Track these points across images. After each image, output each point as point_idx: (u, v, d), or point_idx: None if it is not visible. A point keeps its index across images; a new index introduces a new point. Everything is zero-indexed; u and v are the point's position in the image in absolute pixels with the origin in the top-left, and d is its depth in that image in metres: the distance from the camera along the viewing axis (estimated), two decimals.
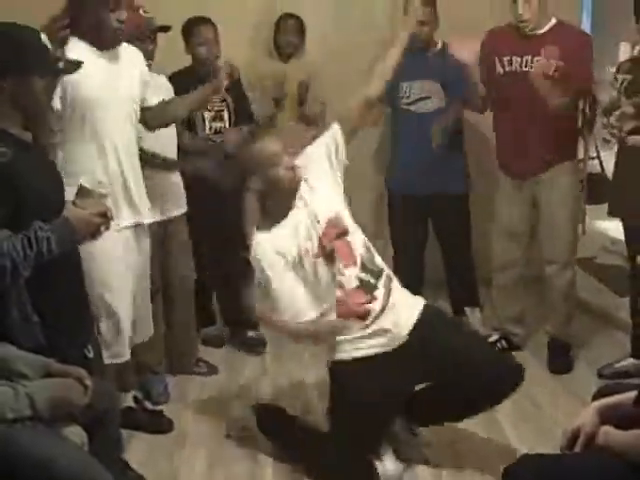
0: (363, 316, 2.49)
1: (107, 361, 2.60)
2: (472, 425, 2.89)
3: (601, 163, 3.48)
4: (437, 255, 3.91)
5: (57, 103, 2.45)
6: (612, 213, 3.32)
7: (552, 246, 3.36)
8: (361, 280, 2.50)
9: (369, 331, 2.50)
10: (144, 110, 2.76)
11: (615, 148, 3.26)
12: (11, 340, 1.99)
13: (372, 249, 2.61)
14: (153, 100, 2.81)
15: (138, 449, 2.84)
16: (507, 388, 2.54)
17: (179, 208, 3.27)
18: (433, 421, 2.72)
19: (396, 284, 2.62)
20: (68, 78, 2.36)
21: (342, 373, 2.55)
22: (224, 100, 3.53)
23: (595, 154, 3.50)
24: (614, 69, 3.25)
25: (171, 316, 3.30)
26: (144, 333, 2.87)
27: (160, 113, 2.81)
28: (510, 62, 3.23)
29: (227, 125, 3.58)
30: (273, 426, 2.85)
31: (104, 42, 2.55)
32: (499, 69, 3.26)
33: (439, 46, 3.66)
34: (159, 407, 3.11)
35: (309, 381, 3.34)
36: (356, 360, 2.50)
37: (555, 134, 3.21)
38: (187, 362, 3.46)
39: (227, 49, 3.51)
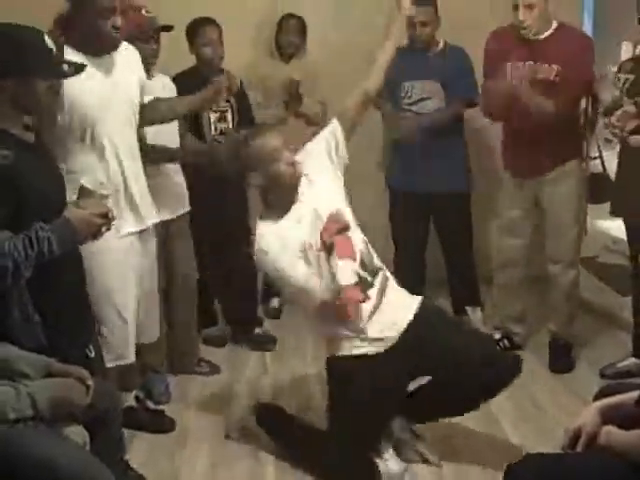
0: (354, 315, 2.48)
1: (110, 364, 2.60)
2: (473, 425, 2.90)
3: (603, 163, 3.47)
4: (438, 254, 3.91)
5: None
6: (614, 213, 3.32)
7: (556, 245, 3.36)
8: (359, 276, 2.50)
9: (364, 329, 2.50)
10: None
11: (617, 148, 3.26)
12: (12, 340, 1.99)
13: (370, 247, 2.61)
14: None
15: (140, 449, 2.84)
16: (504, 380, 2.56)
17: (182, 207, 3.27)
18: (430, 418, 2.73)
19: (392, 284, 2.63)
20: (65, 92, 2.35)
21: (340, 370, 2.56)
22: (228, 101, 3.54)
23: (597, 154, 3.50)
24: (615, 68, 3.25)
25: (173, 316, 3.30)
26: (151, 334, 2.88)
27: (149, 112, 2.78)
28: (513, 67, 3.22)
29: (231, 126, 3.60)
30: (273, 425, 2.86)
31: (100, 49, 2.54)
32: (503, 74, 3.26)
33: (440, 46, 3.66)
34: (161, 407, 3.12)
35: (311, 380, 3.34)
36: (354, 357, 2.51)
37: (560, 135, 3.21)
38: (189, 362, 3.46)
39: (228, 49, 3.51)
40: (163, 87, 3.21)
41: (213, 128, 3.55)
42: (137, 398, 3.02)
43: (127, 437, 2.57)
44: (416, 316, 2.57)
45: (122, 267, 2.61)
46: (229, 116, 3.60)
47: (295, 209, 2.54)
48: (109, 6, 2.48)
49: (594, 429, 1.77)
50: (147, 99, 2.80)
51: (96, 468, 1.90)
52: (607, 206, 3.36)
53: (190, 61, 3.55)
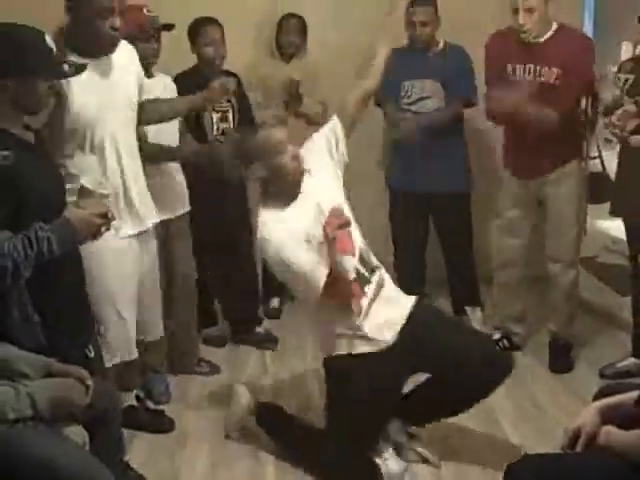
0: (356, 309, 2.49)
1: (109, 364, 2.60)
2: (473, 425, 2.90)
3: (602, 162, 3.48)
4: (438, 254, 3.91)
5: None
6: (614, 213, 3.31)
7: (556, 245, 3.36)
8: (358, 272, 2.50)
9: (361, 326, 2.51)
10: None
11: (617, 147, 3.26)
12: (12, 340, 2.00)
13: (367, 246, 2.63)
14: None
15: (139, 449, 2.84)
16: (498, 378, 2.56)
17: (182, 207, 3.27)
18: (426, 419, 2.73)
19: (389, 282, 2.63)
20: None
21: (338, 369, 2.56)
22: (229, 101, 3.54)
23: (597, 153, 3.50)
24: (615, 68, 3.25)
25: (173, 315, 3.30)
26: (155, 332, 2.89)
27: (148, 111, 2.78)
28: (514, 71, 3.22)
29: (232, 126, 3.60)
30: (273, 425, 2.86)
31: (99, 50, 2.53)
32: (504, 76, 3.26)
33: (440, 45, 3.66)
34: (160, 407, 3.12)
35: (311, 380, 3.34)
36: (351, 356, 2.52)
37: (560, 135, 3.20)
38: (188, 362, 3.46)
39: (229, 49, 3.51)
40: (164, 87, 3.21)
41: (215, 128, 3.56)
42: (138, 397, 3.02)
43: (127, 437, 2.57)
44: (412, 314, 2.58)
45: (121, 267, 2.62)
46: (230, 116, 3.60)
47: (296, 203, 2.54)
48: (108, 6, 2.47)
49: (594, 429, 1.77)
50: (147, 98, 2.80)
51: (96, 468, 1.90)
52: (607, 206, 3.36)
53: (190, 61, 3.55)
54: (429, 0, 3.58)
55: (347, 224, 2.47)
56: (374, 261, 2.61)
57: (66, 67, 2.15)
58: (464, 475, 2.66)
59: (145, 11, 3.03)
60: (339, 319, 2.51)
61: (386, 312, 2.55)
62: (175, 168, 3.23)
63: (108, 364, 2.59)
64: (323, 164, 2.63)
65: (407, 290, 2.74)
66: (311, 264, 2.39)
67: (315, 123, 3.74)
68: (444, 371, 2.54)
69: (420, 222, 3.83)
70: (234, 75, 3.67)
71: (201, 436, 2.96)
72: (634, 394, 1.81)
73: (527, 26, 3.09)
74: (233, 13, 3.76)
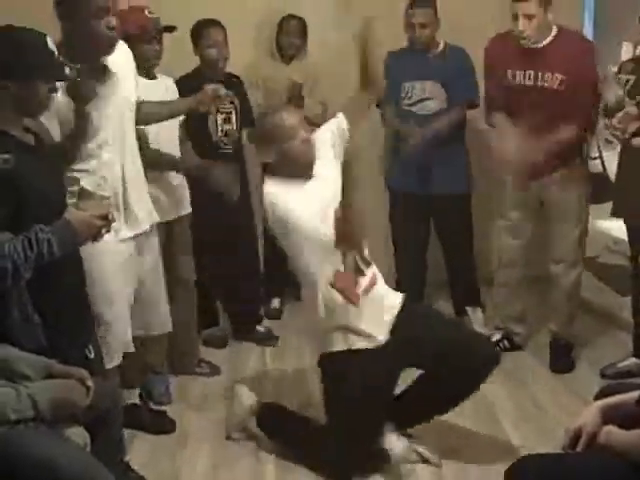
0: (354, 299, 2.53)
1: (110, 365, 2.60)
2: (473, 425, 2.90)
3: (603, 163, 3.48)
4: (438, 255, 3.91)
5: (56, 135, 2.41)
6: (616, 214, 3.31)
7: (559, 246, 3.36)
8: (356, 264, 2.54)
9: (355, 319, 2.54)
10: None
11: (617, 148, 3.26)
12: (12, 341, 2.00)
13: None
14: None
15: (140, 449, 2.84)
16: (485, 369, 2.60)
17: (183, 208, 3.27)
18: (420, 419, 2.74)
19: (380, 279, 2.66)
20: (63, 102, 2.33)
21: (333, 366, 2.59)
22: (232, 102, 3.55)
23: (597, 154, 3.50)
24: (615, 69, 3.24)
25: (173, 316, 3.30)
26: (163, 327, 2.90)
27: (144, 112, 2.76)
28: (514, 76, 3.21)
29: (235, 127, 3.61)
30: (273, 424, 2.87)
31: (97, 51, 2.49)
32: (504, 82, 3.26)
33: (440, 47, 3.65)
34: (162, 407, 3.12)
35: (311, 378, 3.33)
36: (346, 352, 2.55)
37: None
38: (189, 362, 3.47)
39: (229, 50, 3.51)
40: (166, 89, 3.21)
41: (219, 130, 3.56)
42: (141, 396, 3.03)
43: (128, 438, 2.58)
44: (401, 310, 2.62)
45: (121, 269, 2.61)
46: (233, 118, 3.61)
47: (306, 189, 2.55)
48: (103, 5, 2.43)
49: (594, 429, 1.77)
50: (149, 100, 2.80)
51: (96, 469, 1.90)
52: (607, 206, 3.36)
53: (192, 63, 3.55)
54: (428, 2, 3.57)
55: (350, 218, 2.47)
56: (369, 258, 2.65)
57: (67, 70, 2.15)
58: (465, 475, 2.66)
59: (147, 13, 3.03)
60: (336, 309, 2.53)
61: (378, 308, 2.58)
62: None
63: (108, 365, 2.59)
64: (326, 160, 2.64)
65: (408, 291, 2.74)
66: (316, 222, 2.41)
67: (315, 124, 3.74)
68: (434, 364, 2.58)
69: (421, 223, 3.83)
70: (236, 77, 3.69)
71: (202, 437, 2.96)
72: (635, 394, 1.81)
73: (526, 32, 3.07)
74: (233, 14, 3.76)
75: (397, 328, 2.58)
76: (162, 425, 3.00)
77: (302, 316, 2.99)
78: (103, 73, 2.51)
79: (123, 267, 2.62)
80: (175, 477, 2.72)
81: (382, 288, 2.66)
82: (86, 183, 2.42)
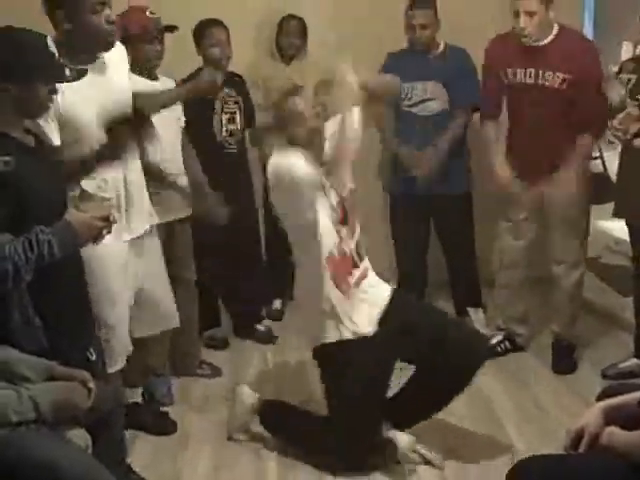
0: (344, 286, 2.57)
1: (112, 369, 2.59)
2: (475, 426, 2.90)
3: (604, 163, 3.47)
4: (439, 255, 3.91)
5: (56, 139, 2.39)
6: (618, 214, 3.30)
7: (561, 246, 3.36)
8: (351, 253, 2.60)
9: (347, 307, 2.58)
10: None
11: (618, 148, 3.25)
12: (13, 343, 1.99)
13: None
14: None
15: (142, 450, 2.85)
16: (474, 362, 2.64)
17: (185, 209, 3.27)
18: (416, 418, 2.75)
19: (371, 272, 2.70)
20: (65, 100, 2.32)
21: (328, 357, 2.63)
22: (236, 102, 3.54)
23: (598, 154, 3.50)
24: (616, 69, 3.24)
25: None
26: (168, 323, 2.90)
27: (139, 103, 2.72)
28: (514, 74, 3.21)
29: (239, 127, 3.62)
30: (276, 420, 2.89)
31: (97, 47, 2.47)
32: (504, 81, 3.26)
33: (441, 48, 3.65)
34: (164, 409, 3.12)
35: (313, 382, 3.33)
36: (339, 343, 2.59)
37: (563, 138, 3.20)
38: (190, 364, 3.47)
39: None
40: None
41: (224, 130, 3.57)
42: (144, 395, 3.03)
43: (129, 439, 2.59)
44: (393, 300, 2.67)
45: (121, 270, 2.60)
46: (238, 118, 3.62)
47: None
48: None
49: (597, 430, 1.76)
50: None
51: (98, 471, 1.90)
52: (608, 207, 3.35)
53: (193, 63, 3.55)
54: (428, 3, 3.57)
55: (354, 209, 2.59)
56: (364, 253, 2.68)
57: (67, 72, 2.14)
58: (466, 476, 2.65)
59: (148, 13, 3.03)
60: (330, 294, 2.55)
61: (367, 299, 2.63)
62: (178, 171, 3.22)
63: (112, 369, 2.58)
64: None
65: (409, 291, 2.75)
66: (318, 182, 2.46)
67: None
68: (425, 355, 2.61)
69: (421, 224, 3.83)
70: (239, 76, 3.69)
71: (203, 438, 2.96)
72: (637, 395, 1.81)
73: (528, 30, 3.06)
74: (233, 14, 3.76)
75: (387, 319, 2.63)
76: (164, 426, 3.00)
77: (297, 305, 2.97)
78: (101, 72, 2.51)
79: (124, 269, 2.61)
80: (177, 478, 2.72)
81: (373, 280, 2.70)
82: (87, 185, 2.42)
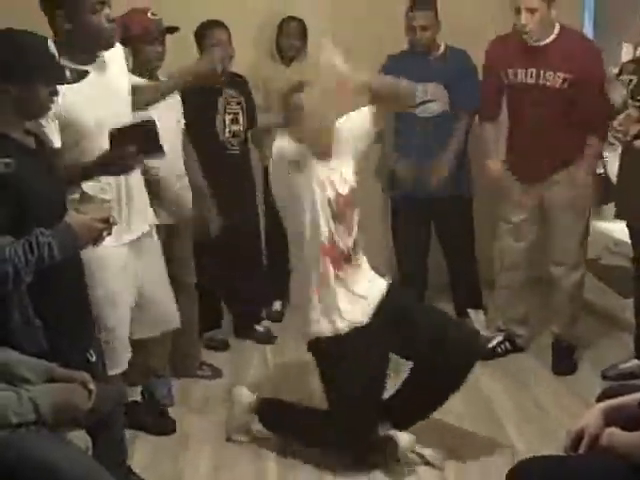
0: (343, 273, 2.59)
1: (112, 372, 2.59)
2: (475, 426, 2.90)
3: (604, 164, 3.48)
4: (440, 257, 3.91)
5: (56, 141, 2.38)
6: (619, 216, 3.30)
7: (561, 248, 3.36)
8: (348, 251, 2.61)
9: (339, 299, 2.60)
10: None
11: (618, 150, 3.26)
12: (13, 344, 1.99)
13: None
14: None
15: (142, 451, 2.85)
16: (470, 358, 2.66)
17: (185, 211, 3.27)
18: (414, 418, 2.75)
19: (365, 265, 2.71)
20: (65, 100, 2.29)
21: (323, 351, 2.65)
22: (239, 103, 3.54)
23: None
24: (616, 70, 3.24)
25: None
26: (168, 324, 2.90)
27: (137, 96, 2.71)
28: (515, 74, 3.21)
29: (242, 128, 3.62)
30: (274, 417, 2.89)
31: (98, 46, 2.46)
32: (505, 81, 3.26)
33: (442, 49, 3.65)
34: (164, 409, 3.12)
35: (313, 383, 3.33)
36: (333, 337, 2.60)
37: (564, 138, 3.20)
38: (190, 365, 3.47)
39: None
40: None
41: (227, 130, 3.58)
42: (143, 394, 3.03)
43: (129, 439, 2.58)
44: (388, 294, 2.68)
45: (122, 272, 2.60)
46: (241, 118, 3.63)
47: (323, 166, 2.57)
48: None
49: (597, 431, 1.76)
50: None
51: (98, 472, 1.90)
52: (608, 208, 3.35)
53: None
54: (429, 4, 3.57)
55: (354, 209, 2.62)
56: (360, 251, 2.68)
57: (68, 73, 2.14)
58: (466, 476, 2.66)
59: (149, 14, 3.03)
60: (324, 282, 2.58)
61: (364, 292, 2.64)
62: (179, 172, 3.22)
63: (115, 371, 2.58)
64: (343, 146, 2.64)
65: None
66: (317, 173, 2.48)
67: None
68: (426, 356, 2.62)
69: (421, 227, 3.83)
70: (241, 76, 3.70)
71: (203, 438, 2.96)
72: (637, 395, 1.81)
73: (529, 26, 3.06)
74: (234, 15, 3.76)
75: (381, 312, 2.64)
76: (164, 426, 3.00)
77: (293, 303, 2.96)
78: (102, 69, 2.50)
79: (124, 270, 2.61)
80: (177, 479, 2.72)
81: (370, 275, 2.71)
82: (87, 187, 2.42)
